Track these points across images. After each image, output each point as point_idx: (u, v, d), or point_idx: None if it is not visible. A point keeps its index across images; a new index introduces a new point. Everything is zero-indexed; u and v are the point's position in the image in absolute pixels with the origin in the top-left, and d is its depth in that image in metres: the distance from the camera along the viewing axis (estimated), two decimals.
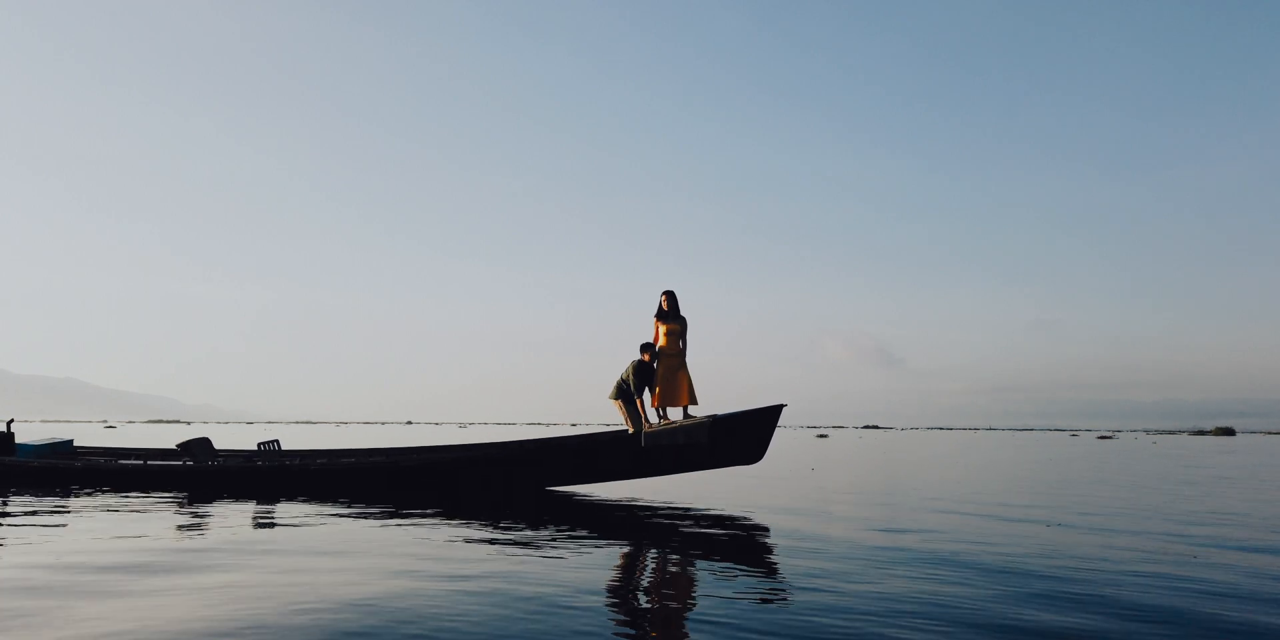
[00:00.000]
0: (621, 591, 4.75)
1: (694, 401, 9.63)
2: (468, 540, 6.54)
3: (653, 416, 9.69)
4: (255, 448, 12.63)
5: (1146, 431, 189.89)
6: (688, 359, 9.75)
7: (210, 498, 9.71)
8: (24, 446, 11.89)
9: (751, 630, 3.83)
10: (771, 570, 5.45)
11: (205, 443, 12.07)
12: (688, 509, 8.99)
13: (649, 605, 4.42)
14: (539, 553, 5.94)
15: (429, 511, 8.46)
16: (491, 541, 6.48)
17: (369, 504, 9.09)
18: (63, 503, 9.07)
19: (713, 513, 8.69)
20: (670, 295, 9.78)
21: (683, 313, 9.84)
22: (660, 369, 9.60)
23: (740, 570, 5.39)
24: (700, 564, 5.66)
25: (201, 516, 8.04)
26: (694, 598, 4.59)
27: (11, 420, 12.40)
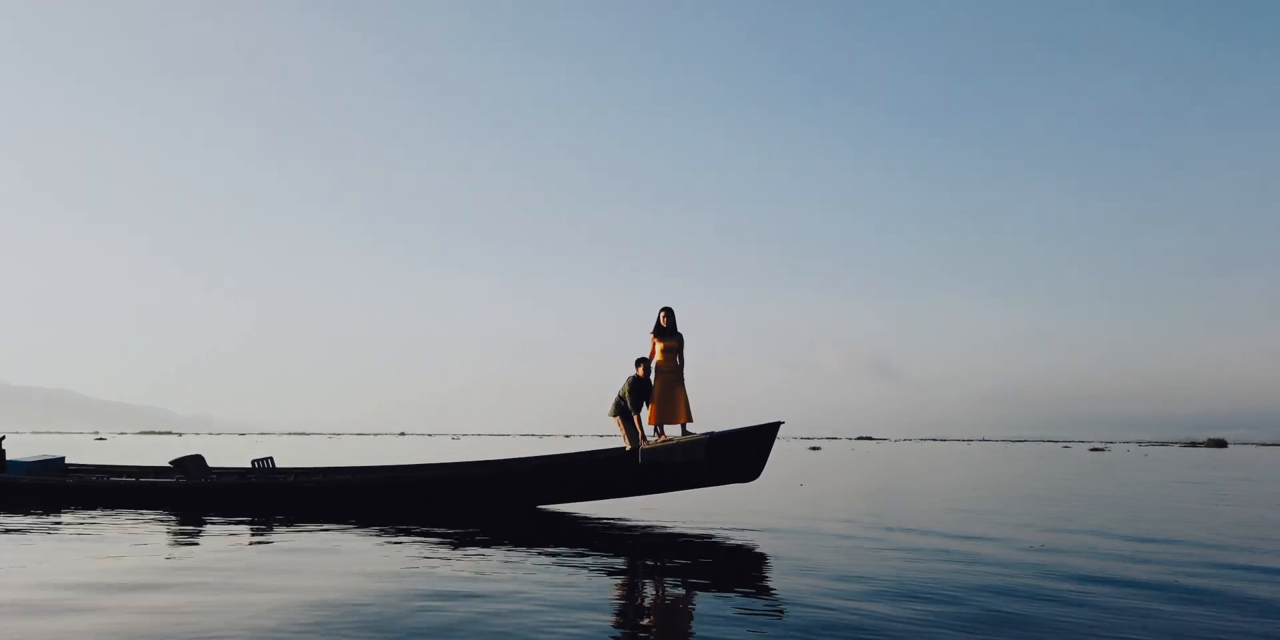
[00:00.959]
0: (611, 610, 4.79)
1: (690, 418, 9.69)
2: (459, 559, 6.56)
3: (649, 432, 9.74)
4: (249, 465, 12.34)
5: (1139, 443, 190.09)
6: (685, 376, 9.80)
7: (203, 516, 9.70)
8: (15, 463, 11.80)
9: None
10: (761, 589, 5.49)
11: (198, 460, 11.89)
12: (674, 526, 9.02)
13: (639, 623, 4.46)
14: (528, 572, 5.97)
15: (420, 530, 8.47)
16: (483, 558, 6.51)
17: (362, 522, 9.10)
18: (53, 520, 9.05)
19: (700, 529, 8.72)
20: (669, 312, 9.85)
21: (680, 329, 9.91)
22: (657, 385, 9.65)
23: (728, 589, 5.43)
24: (687, 582, 5.69)
25: (193, 535, 8.04)
26: (681, 617, 4.63)
27: (3, 436, 12.26)
